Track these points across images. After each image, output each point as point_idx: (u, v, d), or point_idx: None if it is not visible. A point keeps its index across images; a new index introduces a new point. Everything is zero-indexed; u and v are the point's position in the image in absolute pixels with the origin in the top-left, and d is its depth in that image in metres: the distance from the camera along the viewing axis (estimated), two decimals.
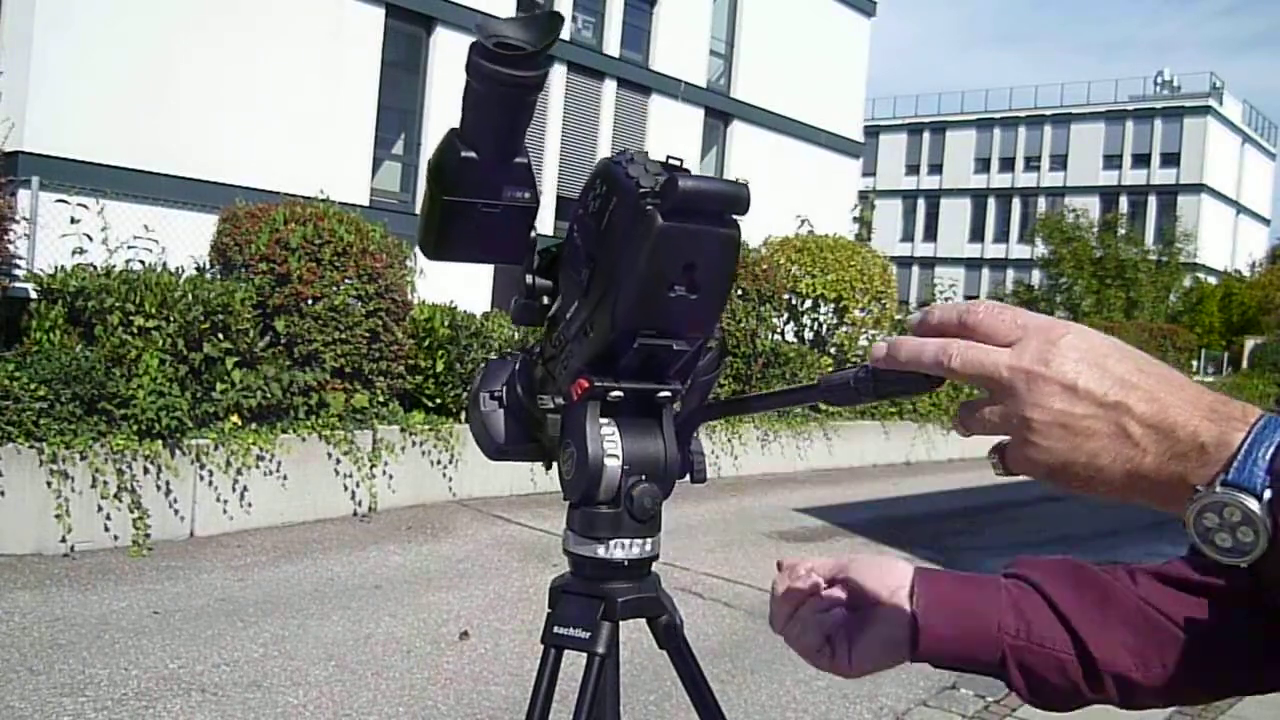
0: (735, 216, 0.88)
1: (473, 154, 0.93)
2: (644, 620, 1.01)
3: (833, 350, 12.70)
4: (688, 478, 1.01)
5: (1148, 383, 0.61)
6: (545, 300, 0.99)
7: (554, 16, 0.88)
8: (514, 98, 0.90)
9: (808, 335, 12.92)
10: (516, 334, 8.50)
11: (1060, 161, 49.25)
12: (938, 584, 0.87)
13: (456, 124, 0.94)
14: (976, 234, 50.96)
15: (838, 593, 0.91)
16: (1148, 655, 0.80)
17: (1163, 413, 0.61)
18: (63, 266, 6.63)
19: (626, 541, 0.96)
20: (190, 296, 6.54)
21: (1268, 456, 0.58)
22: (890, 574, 0.88)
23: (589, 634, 0.97)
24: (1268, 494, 0.57)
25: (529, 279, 0.99)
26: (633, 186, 0.86)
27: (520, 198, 0.97)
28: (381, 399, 7.69)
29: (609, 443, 0.94)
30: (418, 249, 1.04)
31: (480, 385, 1.06)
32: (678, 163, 0.87)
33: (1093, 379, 0.61)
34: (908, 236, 51.84)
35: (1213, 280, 42.76)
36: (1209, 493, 0.58)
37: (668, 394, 0.95)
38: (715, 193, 0.86)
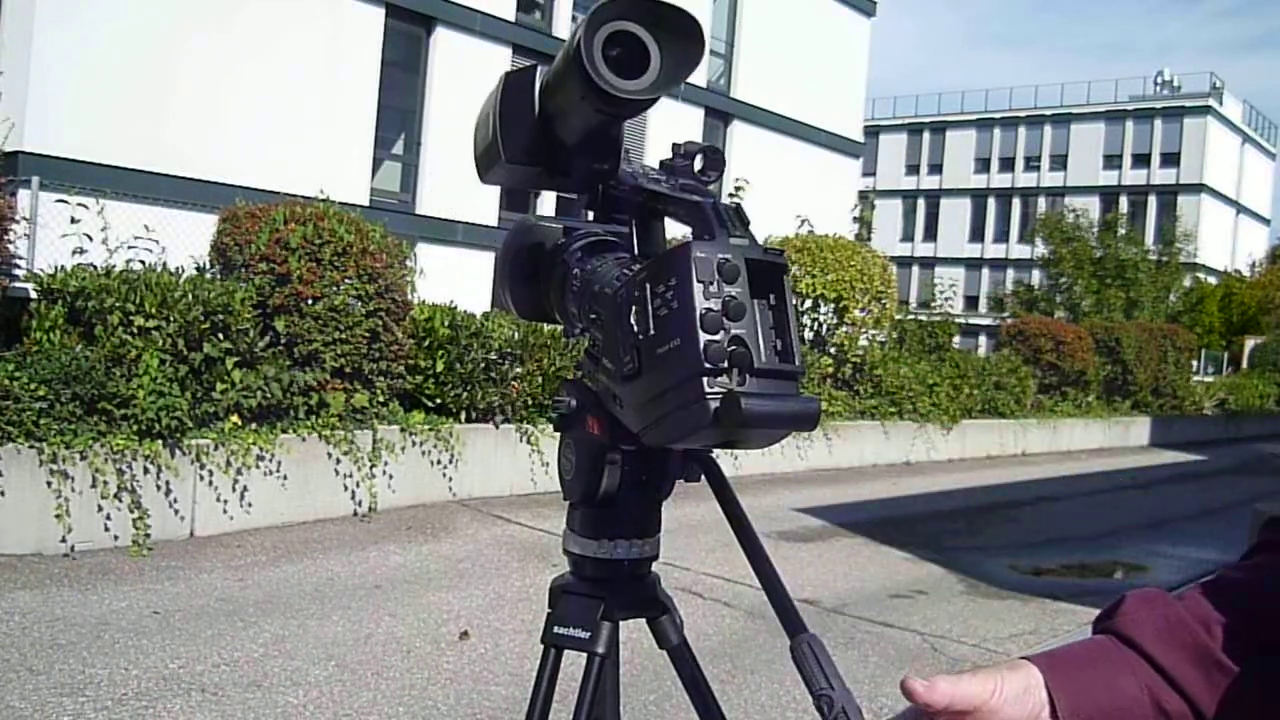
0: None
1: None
2: (644, 620, 1.01)
3: (833, 350, 12.69)
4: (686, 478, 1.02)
5: None
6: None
7: None
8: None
9: (808, 335, 12.92)
10: (516, 334, 8.49)
11: (1060, 161, 49.25)
12: (1074, 693, 0.82)
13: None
14: (976, 234, 50.96)
15: None
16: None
17: None
18: (63, 266, 6.63)
19: (626, 541, 0.96)
20: (190, 296, 6.54)
21: None
22: (1028, 699, 0.81)
23: (589, 634, 0.97)
24: None
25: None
26: (698, 343, 0.76)
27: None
28: (381, 399, 7.69)
29: None
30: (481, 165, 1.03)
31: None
32: (737, 201, 0.82)
33: None
34: (908, 236, 51.83)
35: (1213, 280, 42.74)
36: None
37: None
38: (778, 416, 0.77)
